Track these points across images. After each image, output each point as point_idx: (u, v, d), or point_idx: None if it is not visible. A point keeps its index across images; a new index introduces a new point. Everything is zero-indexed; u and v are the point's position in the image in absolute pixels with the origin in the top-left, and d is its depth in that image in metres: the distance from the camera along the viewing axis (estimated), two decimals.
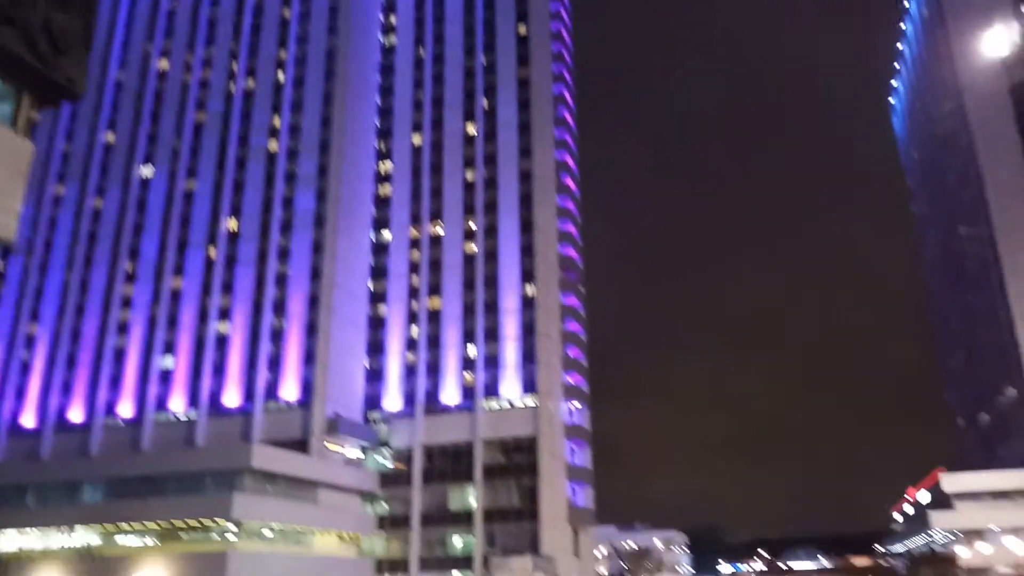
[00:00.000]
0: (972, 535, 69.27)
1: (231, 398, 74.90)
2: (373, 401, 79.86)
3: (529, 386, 75.04)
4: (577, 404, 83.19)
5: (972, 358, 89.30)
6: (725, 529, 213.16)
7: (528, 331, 76.47)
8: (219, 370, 76.28)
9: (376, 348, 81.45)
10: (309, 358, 73.76)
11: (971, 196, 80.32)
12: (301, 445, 70.43)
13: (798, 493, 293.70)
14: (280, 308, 76.87)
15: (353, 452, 76.01)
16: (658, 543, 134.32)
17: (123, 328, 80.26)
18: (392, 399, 79.16)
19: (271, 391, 74.12)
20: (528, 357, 75.88)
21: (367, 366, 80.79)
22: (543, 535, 70.42)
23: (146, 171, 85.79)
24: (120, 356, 79.29)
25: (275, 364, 74.97)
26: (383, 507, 76.34)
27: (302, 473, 65.99)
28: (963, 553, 67.24)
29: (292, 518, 63.30)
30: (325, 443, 72.30)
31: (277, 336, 75.94)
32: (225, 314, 78.15)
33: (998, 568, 62.19)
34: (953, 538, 72.31)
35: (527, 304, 77.67)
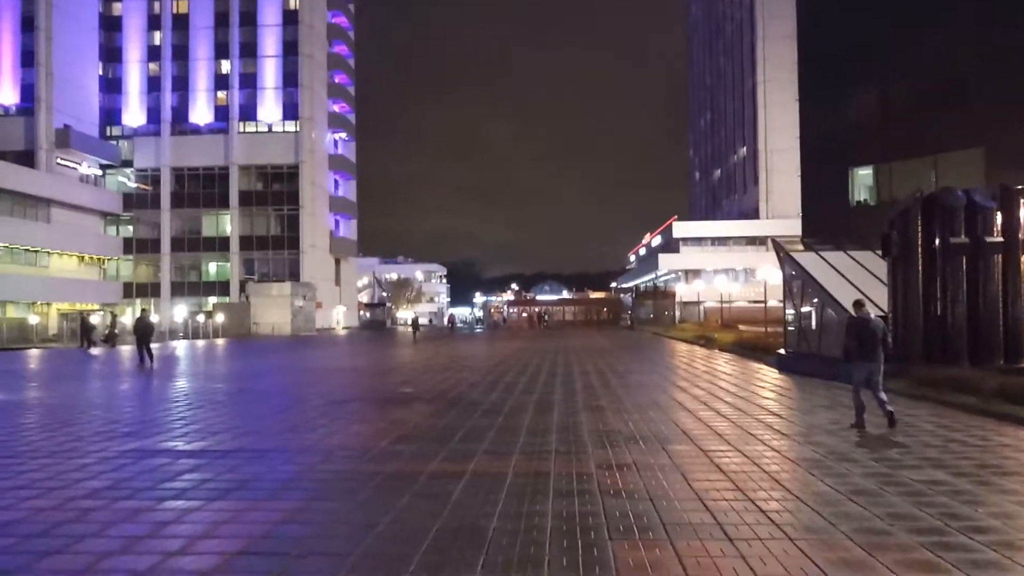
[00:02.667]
0: (691, 274, 78.91)
1: None
2: (111, 115, 72.12)
3: (290, 111, 71.09)
4: (343, 134, 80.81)
5: (716, 118, 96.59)
6: (482, 265, 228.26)
7: (290, 50, 70.85)
8: None
9: (112, 54, 72.05)
10: (27, 59, 63.85)
11: None
12: (27, 158, 63.03)
13: (550, 237, 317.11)
14: None
15: (90, 170, 69.55)
16: (419, 275, 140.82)
17: None
18: (133, 114, 71.97)
19: None
20: (289, 80, 71.03)
21: (102, 74, 71.88)
22: (304, 264, 70.70)
23: None
24: None
25: None
26: (128, 230, 72.15)
27: (29, 189, 59.56)
28: (681, 289, 76.81)
29: (21, 238, 58.01)
30: (57, 158, 65.24)
31: None
32: None
33: (705, 302, 71.99)
34: (675, 276, 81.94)
35: (288, 19, 71.14)
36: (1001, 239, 16.81)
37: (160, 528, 5.94)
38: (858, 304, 11.63)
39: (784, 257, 23.40)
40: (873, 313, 11.66)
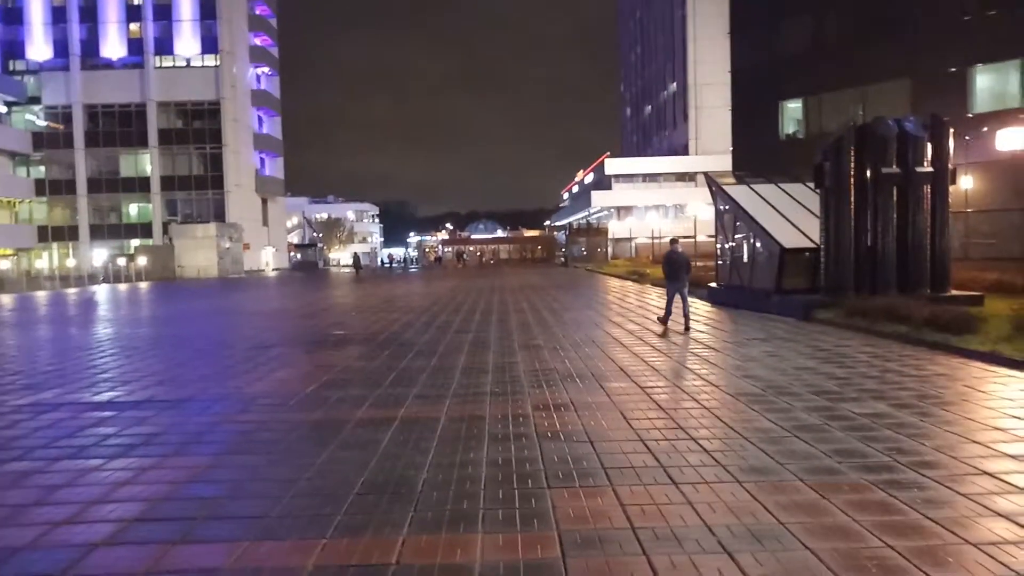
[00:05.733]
0: (623, 211, 79.19)
1: None
2: (14, 49, 67.38)
3: (209, 45, 67.55)
4: (266, 69, 77.52)
5: (646, 53, 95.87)
6: (415, 205, 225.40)
7: None
8: None
9: None
10: None
11: None
12: None
13: (483, 176, 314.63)
14: None
15: None
16: (350, 214, 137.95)
17: None
18: (38, 47, 67.38)
19: None
20: (207, 11, 67.30)
21: (0, 3, 66.91)
22: (229, 204, 68.20)
23: None
24: None
25: None
26: (40, 171, 68.27)
27: None
28: (613, 226, 77.06)
29: None
30: None
31: None
32: None
33: (637, 238, 72.51)
34: (608, 213, 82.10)
35: None
36: (931, 169, 16.89)
37: (49, 493, 5.33)
38: (672, 241, 15.85)
39: (717, 191, 23.25)
40: (676, 248, 15.49)
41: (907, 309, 13.46)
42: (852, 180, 16.96)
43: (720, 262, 23.51)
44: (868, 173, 16.90)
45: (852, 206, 16.97)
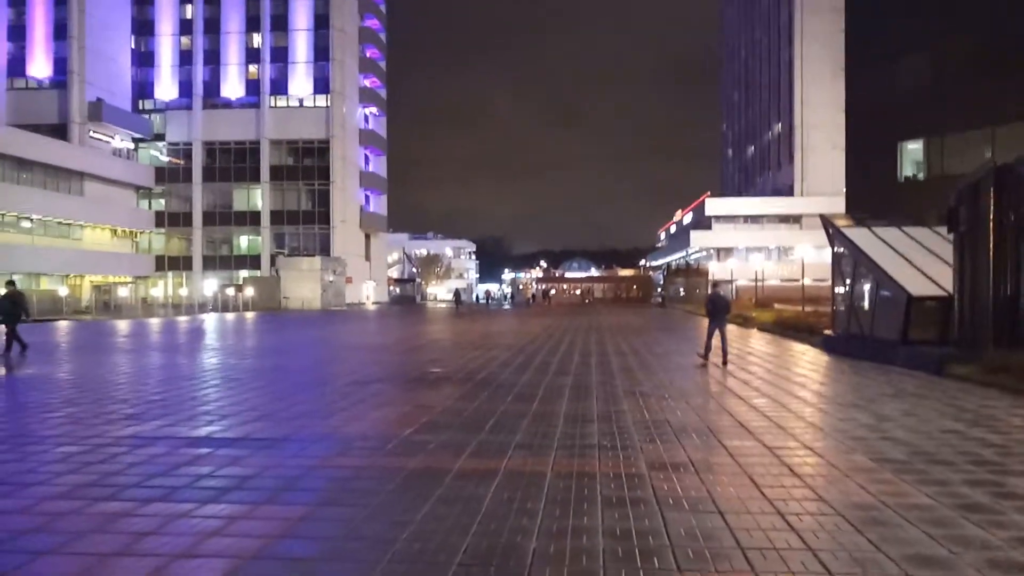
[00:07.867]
0: (723, 252, 77.27)
1: None
2: (144, 89, 71.85)
3: (321, 85, 70.23)
4: (374, 110, 79.90)
5: (750, 93, 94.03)
6: (511, 242, 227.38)
7: (321, 23, 69.89)
8: None
9: (144, 28, 71.60)
10: (60, 31, 63.58)
11: None
12: (60, 131, 63.04)
13: (578, 215, 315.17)
14: None
15: (123, 143, 69.43)
16: (448, 251, 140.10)
17: None
18: (165, 87, 71.55)
19: (16, 66, 64.11)
20: (321, 53, 70.11)
21: (134, 47, 71.50)
22: (334, 239, 70.21)
23: None
24: None
25: (18, 34, 64.09)
26: (160, 203, 72.12)
27: (63, 162, 59.67)
28: (713, 267, 75.15)
29: (54, 210, 58.15)
30: (90, 132, 65.16)
31: (17, 1, 64.20)
32: None
33: (738, 280, 70.39)
34: (707, 254, 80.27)
35: None
36: None
37: (135, 542, 5.00)
38: (714, 284, 19.61)
39: (834, 233, 22.01)
40: (719, 291, 18.04)
41: None
42: (991, 224, 15.59)
43: (836, 308, 22.19)
44: (1011, 217, 15.51)
45: (991, 253, 15.58)
